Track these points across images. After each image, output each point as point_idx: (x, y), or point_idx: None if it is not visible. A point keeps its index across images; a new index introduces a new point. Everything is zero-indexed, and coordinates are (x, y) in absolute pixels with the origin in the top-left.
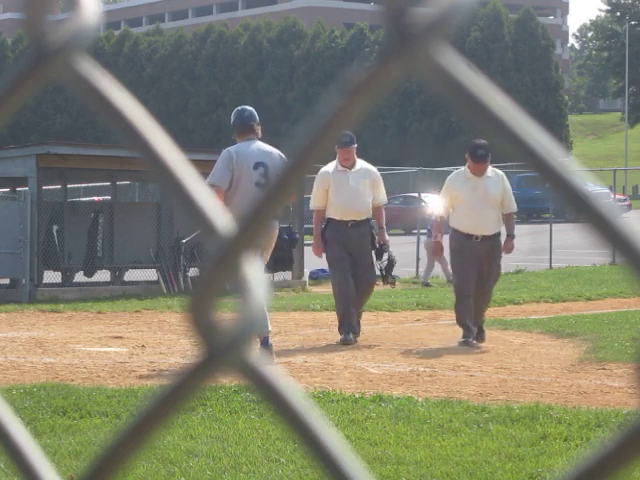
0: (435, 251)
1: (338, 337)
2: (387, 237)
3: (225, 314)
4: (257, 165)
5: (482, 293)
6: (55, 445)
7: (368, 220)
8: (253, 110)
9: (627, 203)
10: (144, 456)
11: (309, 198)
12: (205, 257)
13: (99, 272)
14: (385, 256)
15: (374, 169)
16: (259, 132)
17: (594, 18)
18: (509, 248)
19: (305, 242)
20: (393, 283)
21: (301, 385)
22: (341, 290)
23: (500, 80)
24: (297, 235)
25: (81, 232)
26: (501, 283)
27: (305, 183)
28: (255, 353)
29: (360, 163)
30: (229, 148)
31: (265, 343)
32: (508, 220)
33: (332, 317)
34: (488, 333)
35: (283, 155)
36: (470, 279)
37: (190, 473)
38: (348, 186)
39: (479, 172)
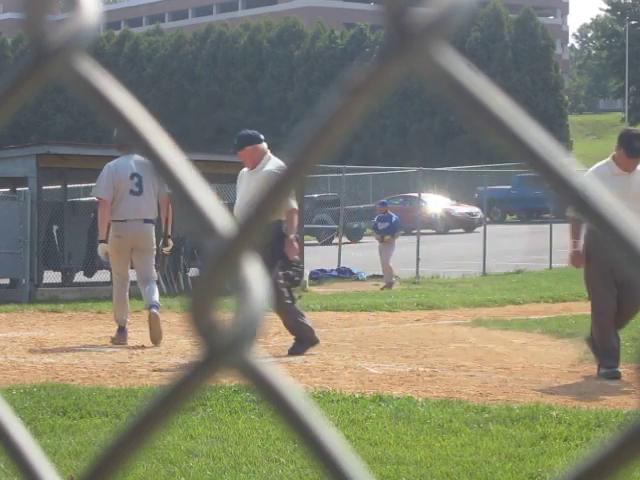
0: (575, 262)
1: (336, 337)
2: (294, 247)
3: (225, 314)
4: (132, 175)
5: (626, 313)
6: (55, 445)
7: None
8: None
9: None
10: (144, 456)
11: (310, 198)
12: (205, 257)
13: (99, 272)
14: (289, 269)
15: (271, 170)
16: None
17: (594, 17)
18: None
19: (305, 242)
20: (290, 299)
21: (301, 385)
22: None
23: (500, 80)
24: (297, 235)
25: (81, 232)
26: (501, 283)
27: (305, 183)
28: (255, 353)
29: (267, 164)
30: (109, 163)
31: (154, 307)
32: None
33: (332, 317)
34: (488, 333)
35: None
36: (610, 297)
37: (190, 473)
38: (241, 189)
39: (632, 167)
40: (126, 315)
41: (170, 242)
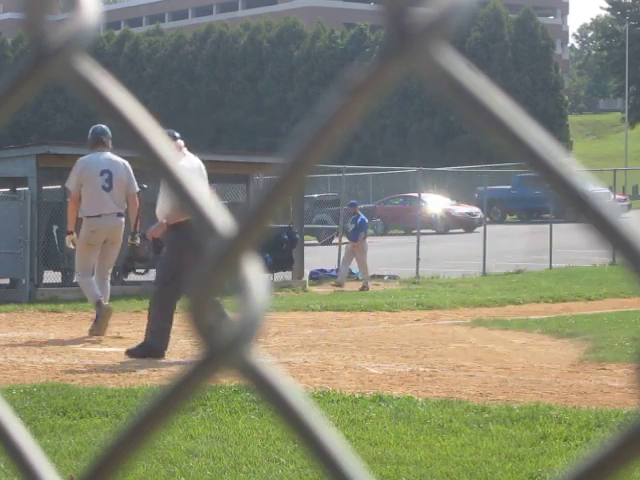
0: None
1: (336, 337)
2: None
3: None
4: (103, 172)
5: None
6: (55, 445)
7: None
8: (105, 127)
9: (627, 203)
10: (144, 456)
11: (309, 198)
12: (205, 257)
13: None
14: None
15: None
16: (109, 145)
17: (595, 17)
18: None
19: (305, 242)
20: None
21: (301, 385)
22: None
23: (500, 80)
24: (297, 235)
25: None
26: (501, 283)
27: (306, 183)
28: (255, 353)
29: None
30: (81, 158)
31: (99, 305)
32: None
33: (332, 317)
34: (488, 333)
35: (127, 164)
36: None
37: (190, 473)
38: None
39: None
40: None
41: (138, 237)
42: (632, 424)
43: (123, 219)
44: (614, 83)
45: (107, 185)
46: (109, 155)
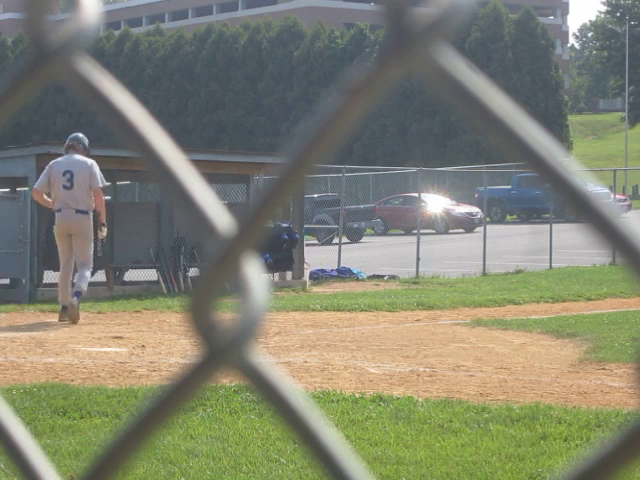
0: None
1: (336, 337)
2: None
3: (225, 314)
4: (65, 172)
5: None
6: (55, 445)
7: None
8: (79, 135)
9: (627, 203)
10: (144, 456)
11: (310, 198)
12: (205, 257)
13: (99, 272)
14: None
15: None
16: (79, 149)
17: (594, 19)
18: None
19: (305, 242)
20: None
21: (301, 385)
22: None
23: (500, 80)
24: (297, 235)
25: None
26: (501, 283)
27: (305, 183)
28: (255, 353)
29: None
30: (52, 161)
31: (77, 295)
32: None
33: (332, 317)
34: (488, 333)
35: (92, 163)
36: None
37: (190, 473)
38: None
39: None
40: (68, 295)
41: (104, 229)
42: (632, 424)
43: (84, 215)
44: (614, 83)
45: (68, 184)
46: (75, 157)
